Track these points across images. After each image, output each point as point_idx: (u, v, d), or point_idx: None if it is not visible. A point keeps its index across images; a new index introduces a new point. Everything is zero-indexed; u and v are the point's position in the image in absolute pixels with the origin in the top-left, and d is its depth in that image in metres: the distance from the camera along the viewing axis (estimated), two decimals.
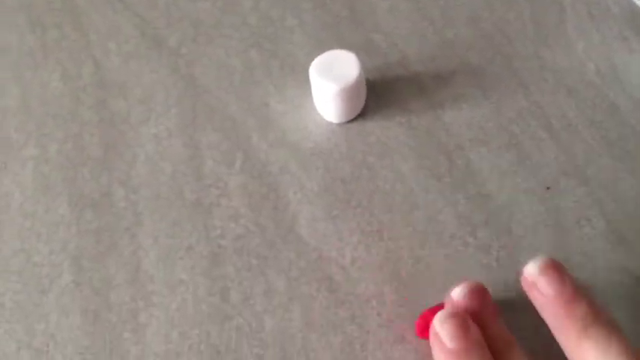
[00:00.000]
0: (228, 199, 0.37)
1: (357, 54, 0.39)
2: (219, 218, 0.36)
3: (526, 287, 0.30)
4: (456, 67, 0.42)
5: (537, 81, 0.41)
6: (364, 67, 0.39)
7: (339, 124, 0.40)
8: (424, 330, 0.31)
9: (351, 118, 0.40)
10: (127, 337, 0.33)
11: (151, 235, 0.36)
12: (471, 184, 0.37)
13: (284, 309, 0.33)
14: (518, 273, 0.30)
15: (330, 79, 0.37)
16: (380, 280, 0.34)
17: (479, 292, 0.31)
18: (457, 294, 0.31)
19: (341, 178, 0.38)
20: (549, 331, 0.29)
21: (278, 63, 0.42)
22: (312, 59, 0.38)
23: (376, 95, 0.41)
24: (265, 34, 0.43)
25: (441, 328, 0.29)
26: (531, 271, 0.30)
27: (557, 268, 0.30)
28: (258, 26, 0.43)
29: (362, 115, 0.40)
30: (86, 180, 0.37)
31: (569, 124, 0.39)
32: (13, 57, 0.42)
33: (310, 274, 0.35)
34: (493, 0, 0.45)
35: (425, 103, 0.40)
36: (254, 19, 0.44)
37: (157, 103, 0.40)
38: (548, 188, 0.37)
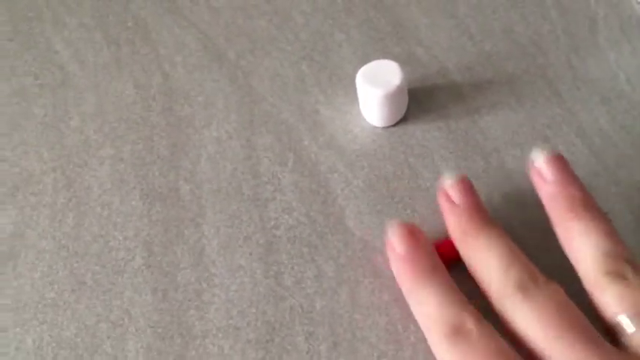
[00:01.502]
0: (282, 194, 0.40)
1: (400, 65, 0.43)
2: (274, 211, 0.40)
3: (533, 175, 0.35)
4: (493, 76, 0.45)
5: (570, 90, 0.44)
6: (406, 77, 0.42)
7: (383, 128, 0.43)
8: None
9: (394, 122, 0.43)
10: (192, 314, 0.36)
11: (213, 226, 0.39)
12: (505, 183, 0.40)
13: (333, 291, 0.37)
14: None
15: (375, 86, 0.40)
16: None
17: (466, 185, 0.36)
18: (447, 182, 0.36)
19: (384, 176, 0.41)
20: None
21: (327, 74, 0.46)
22: (358, 70, 0.41)
23: (417, 102, 0.44)
24: (316, 48, 0.47)
25: (392, 235, 0.34)
26: (539, 159, 0.35)
27: (560, 160, 0.35)
28: (309, 41, 0.47)
29: (404, 120, 0.43)
30: (155, 176, 0.41)
31: (601, 129, 0.42)
32: (90, 69, 0.47)
33: (357, 261, 0.38)
34: (527, 14, 0.48)
35: (463, 109, 0.43)
36: (305, 34, 0.48)
37: (218, 109, 0.44)
38: None
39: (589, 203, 0.33)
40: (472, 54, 0.46)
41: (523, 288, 0.30)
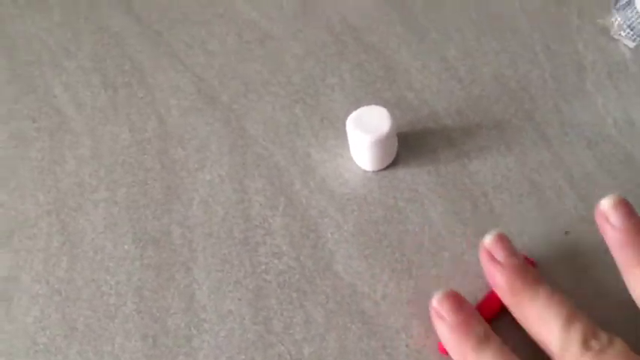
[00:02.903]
0: (272, 238, 0.41)
1: (391, 109, 0.43)
2: (264, 255, 0.40)
3: (599, 220, 0.35)
4: (482, 120, 0.46)
5: (558, 134, 0.44)
6: (397, 120, 0.43)
7: (373, 172, 0.44)
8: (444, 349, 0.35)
9: (384, 166, 0.44)
10: None
11: (204, 270, 0.40)
12: (494, 228, 0.40)
13: (321, 338, 0.37)
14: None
15: (365, 131, 0.41)
16: (408, 313, 0.38)
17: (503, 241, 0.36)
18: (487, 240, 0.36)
19: (374, 220, 0.42)
20: None
21: (319, 117, 0.46)
22: (350, 114, 0.42)
23: (407, 146, 0.45)
24: (308, 92, 0.48)
25: (441, 305, 0.34)
26: (605, 205, 0.34)
27: (627, 205, 0.34)
28: (301, 84, 0.48)
29: (394, 164, 0.44)
30: (149, 220, 0.42)
31: (588, 174, 0.42)
32: (87, 112, 0.48)
33: (345, 307, 0.38)
34: (517, 59, 0.49)
35: (452, 153, 0.44)
36: (298, 78, 0.49)
37: (211, 152, 0.45)
38: (566, 233, 0.40)
39: None
40: (461, 98, 0.47)
41: (587, 346, 0.30)
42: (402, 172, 0.44)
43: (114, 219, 0.42)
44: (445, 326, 0.34)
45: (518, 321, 0.34)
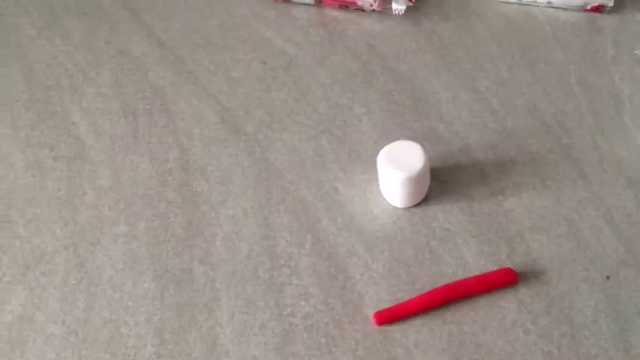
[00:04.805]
0: (299, 278, 0.39)
1: (420, 141, 0.42)
2: (291, 297, 0.38)
3: None
4: (516, 155, 0.44)
5: (596, 171, 0.43)
6: (427, 154, 0.41)
7: (404, 209, 0.42)
8: None
9: (415, 203, 0.42)
10: None
11: (227, 312, 0.38)
12: (531, 272, 0.39)
13: None
14: None
15: (398, 167, 0.39)
16: None
17: None
18: None
19: (405, 261, 0.40)
20: None
21: (346, 149, 0.45)
22: (378, 146, 0.40)
23: (439, 182, 0.43)
24: (335, 122, 0.46)
25: None
26: None
27: None
28: (328, 114, 0.47)
29: (425, 200, 0.42)
30: (170, 257, 0.40)
31: (629, 215, 0.40)
32: (107, 141, 0.46)
33: (376, 353, 0.36)
34: (551, 91, 0.47)
35: (486, 190, 0.42)
36: (324, 107, 0.47)
37: (234, 185, 0.43)
38: (608, 278, 0.38)
39: None
40: (494, 131, 0.45)
41: None
42: (433, 210, 0.42)
43: (133, 255, 0.40)
44: None
45: None
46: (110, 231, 0.42)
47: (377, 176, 0.42)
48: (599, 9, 0.50)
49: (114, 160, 0.45)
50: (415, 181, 0.39)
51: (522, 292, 0.38)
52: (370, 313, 0.38)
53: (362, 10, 0.51)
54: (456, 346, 0.36)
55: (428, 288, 0.38)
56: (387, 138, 0.44)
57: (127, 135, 0.46)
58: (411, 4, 0.51)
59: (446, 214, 0.41)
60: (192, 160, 0.45)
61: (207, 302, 0.38)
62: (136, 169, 0.44)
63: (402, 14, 0.50)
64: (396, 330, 0.37)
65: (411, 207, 0.42)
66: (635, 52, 0.48)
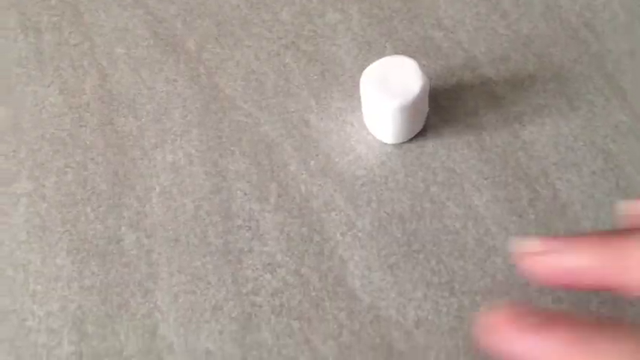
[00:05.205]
0: (262, 243, 0.30)
1: (413, 55, 0.32)
2: (252, 268, 0.30)
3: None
4: (535, 70, 0.35)
5: (636, 86, 0.34)
6: (426, 74, 0.32)
7: (395, 145, 0.33)
8: None
9: (410, 137, 0.33)
10: None
11: (168, 292, 0.29)
12: (559, 221, 0.31)
13: None
14: None
15: (388, 94, 0.29)
16: (452, 347, 0.28)
17: None
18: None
19: (399, 214, 0.31)
20: None
21: (318, 68, 0.35)
22: (360, 63, 0.32)
23: (439, 108, 0.34)
24: (302, 33, 0.36)
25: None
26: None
27: None
28: (293, 23, 0.36)
29: (422, 133, 0.33)
30: (90, 221, 0.31)
31: None
32: (1, 67, 0.35)
33: (365, 339, 0.28)
34: None
35: (498, 116, 0.34)
36: (288, 14, 0.37)
37: (174, 121, 0.33)
38: None
39: None
40: (506, 39, 0.36)
41: None
42: (432, 145, 0.33)
43: (41, 221, 0.31)
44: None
45: None
46: (8, 190, 0.32)
47: (359, 104, 0.33)
48: None
49: (11, 93, 0.34)
50: (411, 109, 0.30)
51: None
52: (357, 285, 0.29)
53: None
54: (468, 324, 0.28)
55: (430, 249, 0.30)
56: (371, 52, 0.35)
57: (28, 58, 0.36)
58: None
59: (449, 149, 0.33)
60: (117, 90, 0.34)
61: (141, 281, 0.29)
62: (42, 104, 0.34)
63: None
64: (391, 307, 0.29)
65: (404, 142, 0.33)
66: None
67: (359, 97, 0.32)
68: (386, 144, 0.33)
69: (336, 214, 0.31)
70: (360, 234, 0.30)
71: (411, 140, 0.33)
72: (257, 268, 0.30)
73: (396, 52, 0.35)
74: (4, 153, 0.33)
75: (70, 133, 0.33)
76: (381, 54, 0.35)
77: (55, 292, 0.29)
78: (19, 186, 0.32)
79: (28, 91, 0.34)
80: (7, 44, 0.36)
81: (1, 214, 0.31)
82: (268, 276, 0.30)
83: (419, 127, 0.33)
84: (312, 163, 0.32)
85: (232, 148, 0.33)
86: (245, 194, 0.31)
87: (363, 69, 0.31)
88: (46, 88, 0.34)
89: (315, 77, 0.35)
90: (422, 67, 0.30)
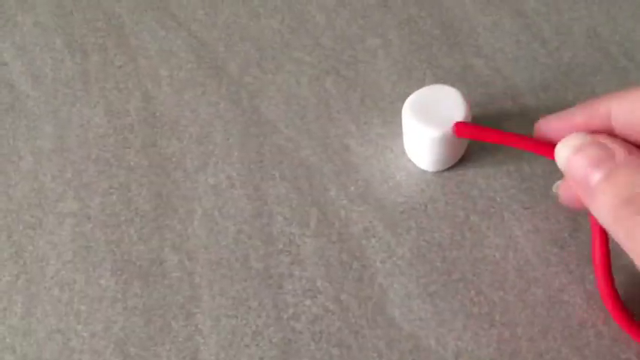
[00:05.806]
0: (302, 268, 0.30)
1: (454, 84, 0.32)
2: (292, 293, 0.30)
3: None
4: (575, 98, 0.35)
5: None
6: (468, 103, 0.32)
7: (435, 173, 0.33)
8: None
9: (450, 165, 0.33)
10: None
11: (210, 316, 0.29)
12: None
13: None
14: None
15: (429, 123, 0.29)
16: None
17: None
18: None
19: (438, 242, 0.31)
20: None
21: (358, 94, 0.35)
22: (399, 89, 0.31)
23: None
24: (342, 59, 0.36)
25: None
26: None
27: None
28: (333, 48, 0.36)
29: (462, 161, 0.33)
30: (133, 242, 0.31)
31: None
32: (47, 88, 0.36)
33: None
34: (615, 13, 0.37)
35: None
36: (328, 39, 0.37)
37: (215, 144, 0.34)
38: None
39: None
40: (546, 67, 0.35)
41: None
42: (472, 174, 0.33)
43: (86, 241, 0.31)
44: None
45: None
46: (55, 209, 0.32)
47: (399, 130, 0.33)
48: None
49: (58, 114, 0.35)
50: (453, 139, 0.30)
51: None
52: (396, 314, 0.29)
53: None
54: (508, 355, 0.28)
55: (469, 277, 0.30)
56: (411, 79, 0.35)
57: (74, 79, 0.36)
58: None
59: (489, 178, 0.32)
60: (160, 112, 0.35)
61: (183, 303, 0.30)
62: (87, 125, 0.34)
63: None
64: (430, 336, 0.28)
65: (444, 170, 0.33)
66: None
67: (398, 123, 0.32)
68: (426, 172, 0.33)
69: (376, 241, 0.31)
70: (399, 261, 0.30)
71: (450, 168, 0.33)
72: (297, 294, 0.30)
73: (436, 79, 0.35)
74: (51, 172, 0.33)
75: (114, 154, 0.34)
76: (420, 80, 0.35)
77: (99, 312, 0.30)
78: (65, 206, 0.32)
79: (74, 112, 0.35)
80: (54, 65, 0.37)
81: (48, 234, 0.32)
82: (308, 302, 0.30)
83: (459, 156, 0.33)
84: (352, 188, 0.32)
85: (273, 172, 0.33)
86: (285, 219, 0.32)
87: (403, 95, 0.31)
88: (91, 109, 0.35)
89: (355, 102, 0.35)
90: (464, 96, 0.30)
